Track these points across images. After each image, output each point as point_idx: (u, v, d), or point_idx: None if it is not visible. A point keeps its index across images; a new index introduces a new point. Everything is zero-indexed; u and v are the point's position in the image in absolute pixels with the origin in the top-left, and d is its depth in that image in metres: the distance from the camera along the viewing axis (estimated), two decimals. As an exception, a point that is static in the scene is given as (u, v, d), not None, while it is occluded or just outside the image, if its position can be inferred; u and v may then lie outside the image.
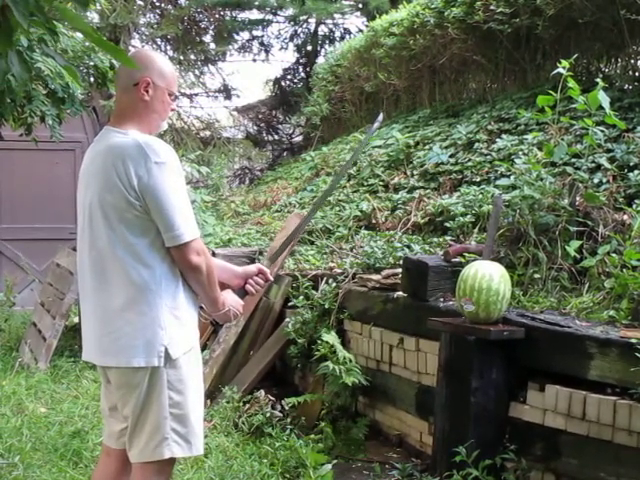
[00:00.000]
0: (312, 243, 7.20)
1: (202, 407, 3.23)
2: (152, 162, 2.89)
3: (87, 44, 6.00)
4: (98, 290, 3.05)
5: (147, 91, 3.09)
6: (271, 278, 3.59)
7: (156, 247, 2.98)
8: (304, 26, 16.49)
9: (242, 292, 3.43)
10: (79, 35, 5.89)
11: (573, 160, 5.39)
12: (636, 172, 5.06)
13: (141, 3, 14.02)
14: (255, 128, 16.78)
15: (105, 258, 3.00)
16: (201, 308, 3.25)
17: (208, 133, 15.62)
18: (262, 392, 5.65)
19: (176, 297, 3.04)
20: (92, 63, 6.15)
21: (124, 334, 2.97)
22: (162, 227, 2.94)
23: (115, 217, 2.95)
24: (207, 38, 15.86)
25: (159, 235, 2.97)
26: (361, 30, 14.63)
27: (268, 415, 5.36)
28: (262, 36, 16.59)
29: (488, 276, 4.13)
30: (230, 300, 3.29)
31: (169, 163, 2.95)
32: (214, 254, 6.55)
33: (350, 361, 5.26)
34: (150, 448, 3.05)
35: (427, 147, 7.79)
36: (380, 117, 4.27)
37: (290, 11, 15.94)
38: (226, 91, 16.14)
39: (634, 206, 4.75)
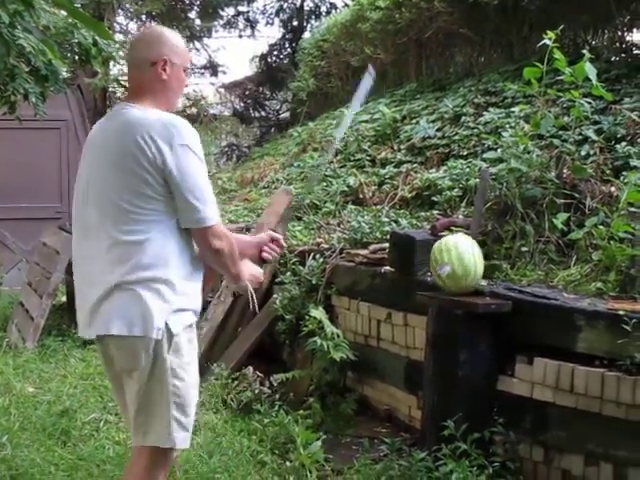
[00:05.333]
0: (299, 219, 7.17)
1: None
2: (177, 143, 2.87)
3: (70, 21, 5.94)
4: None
5: (164, 70, 3.07)
6: (284, 244, 3.61)
7: (168, 227, 2.95)
8: (290, 1, 16.40)
9: (260, 261, 3.45)
10: (62, 12, 5.83)
11: (560, 132, 5.36)
12: (623, 144, 5.05)
13: (125, -21, 13.92)
14: (242, 105, 16.71)
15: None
16: None
17: (195, 110, 15.54)
18: (250, 369, 5.64)
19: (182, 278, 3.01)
20: (75, 40, 6.08)
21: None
22: (184, 208, 2.92)
23: (128, 193, 2.88)
24: (192, 14, 15.76)
25: (171, 215, 2.94)
26: (347, 4, 14.55)
27: (257, 392, 5.35)
28: (248, 12, 16.50)
29: (453, 240, 4.30)
30: (250, 270, 3.31)
31: (193, 145, 2.93)
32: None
33: (338, 336, 5.25)
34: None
35: (414, 121, 7.76)
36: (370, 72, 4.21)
37: (276, -14, 15.85)
38: (212, 68, 16.07)
39: (621, 178, 4.73)
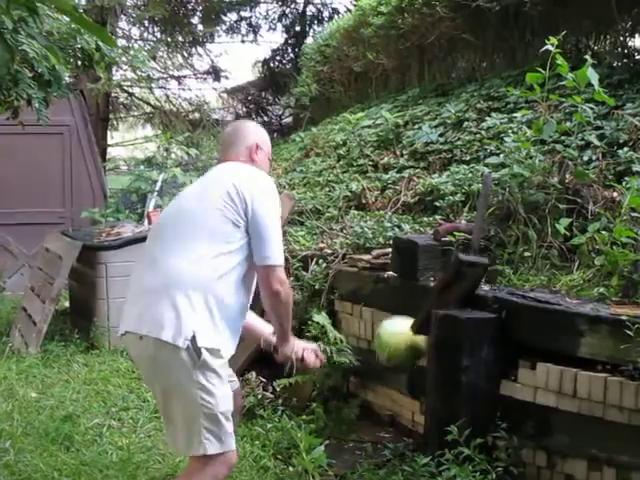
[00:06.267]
0: (302, 224, 7.16)
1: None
2: (260, 190, 3.36)
3: (73, 26, 5.95)
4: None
5: (256, 153, 3.70)
6: (320, 363, 3.90)
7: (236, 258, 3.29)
8: (292, 6, 16.43)
9: (299, 361, 3.75)
10: (65, 18, 5.84)
11: (562, 138, 5.36)
12: (625, 149, 5.05)
13: (128, -16, 13.95)
14: (244, 110, 16.73)
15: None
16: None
17: (197, 115, 15.57)
18: (253, 374, 5.63)
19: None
20: (78, 46, 6.09)
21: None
22: (256, 244, 3.30)
23: (214, 220, 3.29)
24: (195, 19, 15.80)
25: (240, 249, 3.30)
26: (349, 10, 14.57)
27: (259, 397, 5.35)
28: (250, 17, 16.53)
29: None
30: (297, 345, 3.70)
31: (272, 194, 3.43)
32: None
33: (341, 341, 5.25)
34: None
35: (416, 126, 7.76)
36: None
37: (278, -9, 15.88)
38: (215, 73, 16.09)
39: (623, 183, 4.73)
